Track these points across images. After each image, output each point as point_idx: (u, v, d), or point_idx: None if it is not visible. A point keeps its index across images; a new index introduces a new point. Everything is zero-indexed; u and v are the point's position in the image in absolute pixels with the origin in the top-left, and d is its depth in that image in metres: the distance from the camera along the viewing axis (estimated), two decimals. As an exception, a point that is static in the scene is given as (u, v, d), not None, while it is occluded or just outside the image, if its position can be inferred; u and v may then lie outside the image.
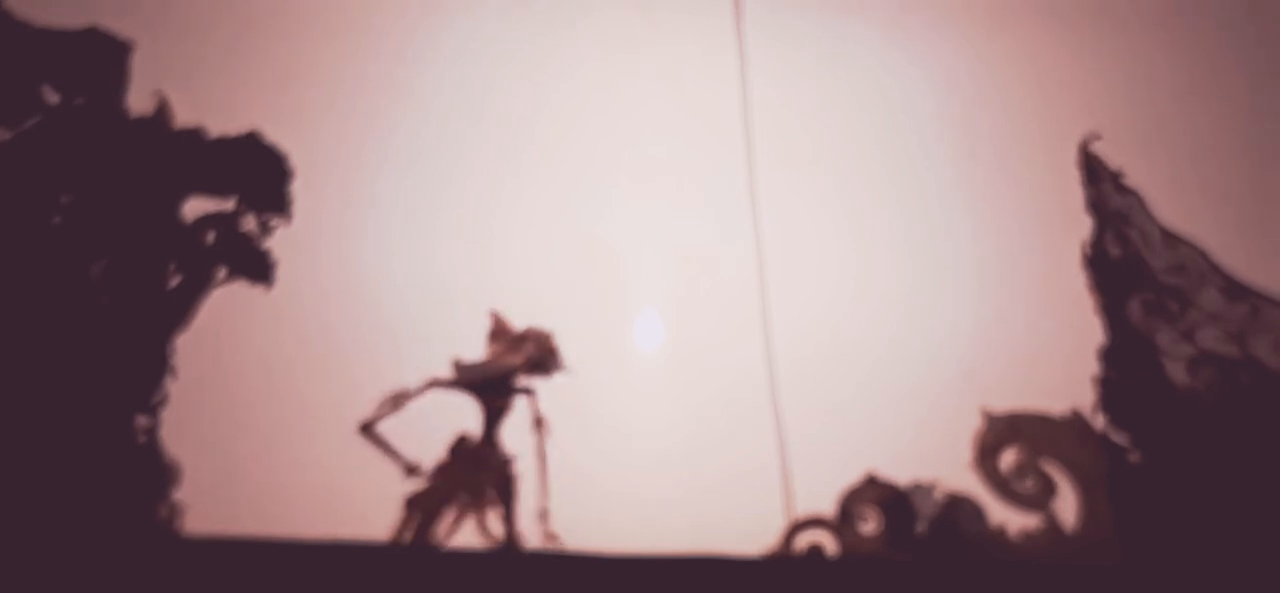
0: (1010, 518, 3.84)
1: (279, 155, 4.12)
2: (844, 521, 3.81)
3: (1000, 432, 3.95)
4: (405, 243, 4.41)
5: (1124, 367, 3.99)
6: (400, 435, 3.96)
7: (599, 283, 4.48)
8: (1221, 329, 4.00)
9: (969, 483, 3.88)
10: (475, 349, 4.10)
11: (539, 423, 4.04)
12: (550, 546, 3.85)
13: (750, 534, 3.78)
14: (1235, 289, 4.06)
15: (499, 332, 4.14)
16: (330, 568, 3.50)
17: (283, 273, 4.09)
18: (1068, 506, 3.85)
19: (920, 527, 3.79)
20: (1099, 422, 3.93)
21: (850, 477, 3.86)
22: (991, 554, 3.77)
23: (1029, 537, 3.80)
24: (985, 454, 3.92)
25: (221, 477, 3.87)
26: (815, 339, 4.29)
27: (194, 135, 4.08)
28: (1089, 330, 4.09)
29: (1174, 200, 4.24)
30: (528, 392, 4.08)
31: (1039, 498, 3.85)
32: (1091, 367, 4.01)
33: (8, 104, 3.95)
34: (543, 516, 3.92)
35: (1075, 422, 3.96)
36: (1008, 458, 3.92)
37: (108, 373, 3.77)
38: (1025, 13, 4.94)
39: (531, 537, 3.86)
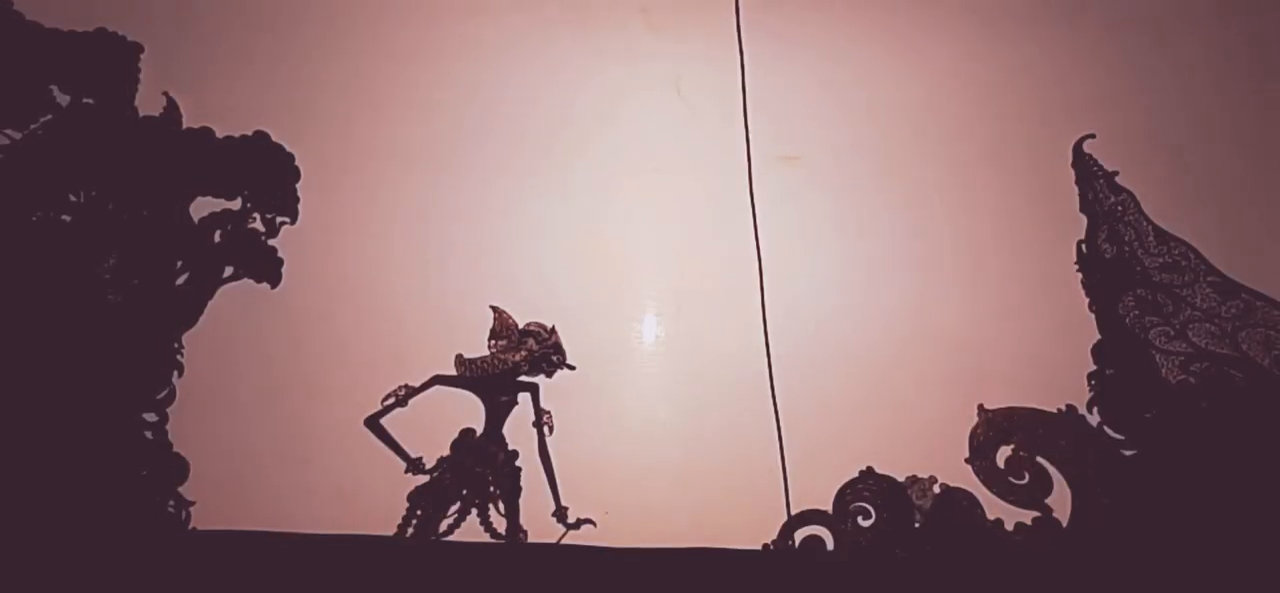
0: (1006, 513, 3.86)
1: (286, 155, 4.18)
2: (841, 515, 3.85)
3: (996, 428, 3.99)
4: (410, 240, 4.43)
5: (1118, 363, 4.04)
6: (404, 430, 4.00)
7: (599, 281, 4.51)
8: (1214, 326, 4.05)
9: (965, 478, 3.92)
10: (478, 345, 4.15)
11: (541, 418, 4.08)
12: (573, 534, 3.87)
13: (749, 529, 3.81)
14: (1227, 286, 4.11)
15: (501, 328, 4.18)
16: (335, 563, 3.54)
17: (288, 270, 4.14)
18: (1062, 501, 3.87)
19: (917, 521, 3.82)
20: (1093, 418, 3.98)
21: (848, 472, 3.91)
22: (987, 549, 3.79)
23: (1024, 532, 3.82)
24: (981, 450, 3.96)
25: (228, 472, 3.90)
26: (813, 336, 4.31)
27: (202, 135, 4.14)
28: (1084, 328, 4.14)
29: (1167, 199, 4.29)
30: (530, 388, 4.12)
31: (1034, 493, 3.88)
32: (1086, 364, 4.07)
33: (18, 104, 4.00)
34: (560, 514, 3.96)
35: (1070, 418, 3.99)
36: (1004, 454, 3.96)
37: (117, 370, 3.82)
38: (1021, 14, 4.97)
39: (555, 531, 3.90)
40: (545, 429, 4.06)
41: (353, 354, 4.18)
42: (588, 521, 3.94)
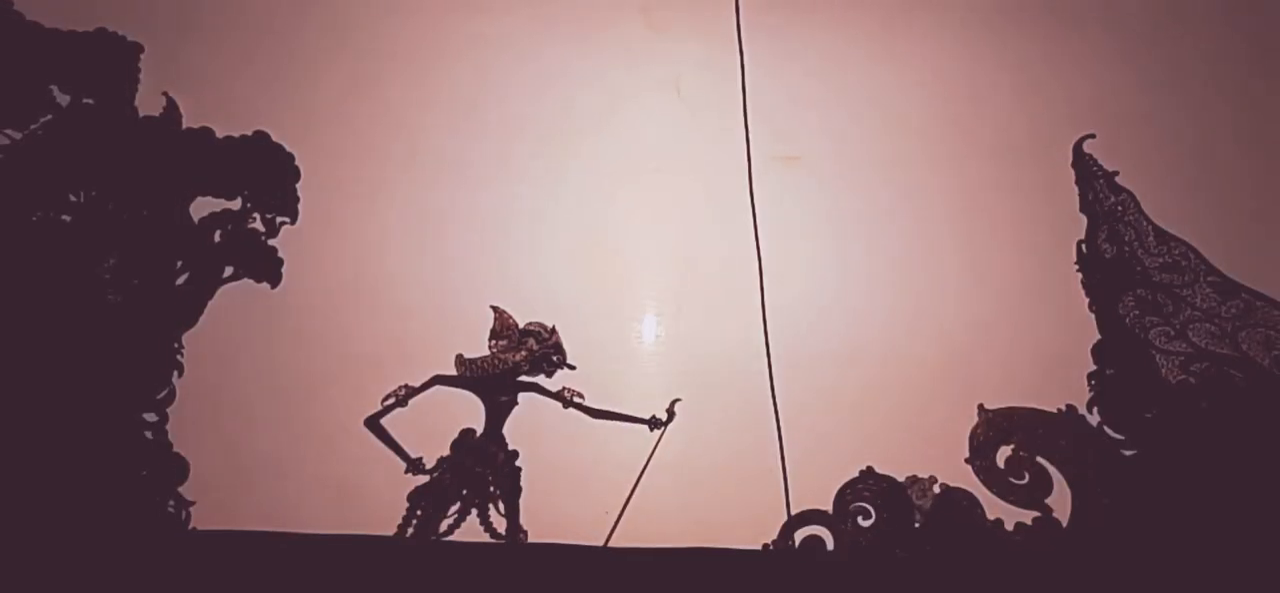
0: (1006, 513, 3.86)
1: (286, 155, 4.18)
2: (841, 515, 3.85)
3: (996, 428, 3.99)
4: (410, 240, 4.44)
5: (1118, 363, 4.04)
6: (404, 430, 4.00)
7: (599, 281, 4.52)
8: (1214, 326, 4.05)
9: (965, 478, 3.92)
10: (478, 345, 4.15)
11: (566, 397, 4.09)
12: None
13: (749, 529, 3.81)
14: (1227, 286, 4.11)
15: (501, 328, 4.18)
16: (335, 563, 3.53)
17: (289, 271, 4.14)
18: (1062, 501, 3.87)
19: (917, 521, 3.82)
20: (1093, 418, 3.98)
21: (848, 472, 3.91)
22: (987, 549, 3.79)
23: (1024, 532, 3.82)
24: (981, 450, 3.96)
25: (228, 472, 3.90)
26: (813, 336, 4.32)
27: (202, 135, 4.14)
28: (1084, 328, 4.14)
29: (1167, 199, 4.30)
30: (532, 387, 4.12)
31: (1034, 493, 3.88)
32: (1086, 364, 4.07)
33: (18, 104, 4.00)
34: (652, 422, 4.03)
35: (1070, 418, 3.99)
36: (1004, 454, 3.95)
37: (117, 370, 3.82)
38: (1021, 16, 4.98)
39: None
40: (576, 399, 4.08)
41: (353, 354, 4.19)
42: (676, 401, 4.05)
